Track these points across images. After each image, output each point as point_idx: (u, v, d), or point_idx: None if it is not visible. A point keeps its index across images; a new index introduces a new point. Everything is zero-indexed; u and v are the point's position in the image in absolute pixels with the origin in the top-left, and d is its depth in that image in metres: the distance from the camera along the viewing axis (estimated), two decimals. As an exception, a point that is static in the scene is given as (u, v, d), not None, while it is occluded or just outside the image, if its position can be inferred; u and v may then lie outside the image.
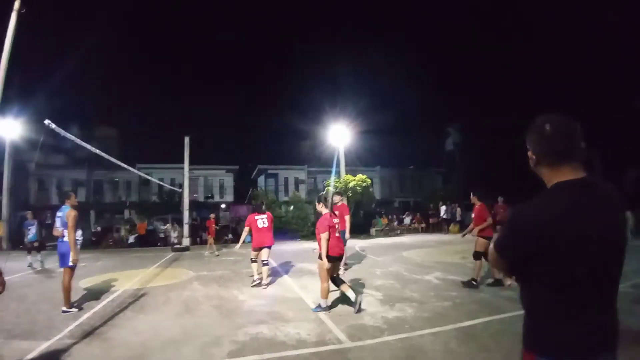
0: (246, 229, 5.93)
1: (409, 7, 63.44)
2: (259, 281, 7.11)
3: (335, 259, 5.22)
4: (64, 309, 5.40)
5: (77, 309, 5.50)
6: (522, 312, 4.29)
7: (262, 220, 7.33)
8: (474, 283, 6.37)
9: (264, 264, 7.02)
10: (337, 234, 5.26)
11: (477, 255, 6.47)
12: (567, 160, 1.33)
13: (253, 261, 7.35)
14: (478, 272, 6.45)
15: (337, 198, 8.14)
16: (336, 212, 6.78)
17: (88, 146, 11.01)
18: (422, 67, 57.60)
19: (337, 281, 5.29)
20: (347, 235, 7.93)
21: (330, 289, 5.25)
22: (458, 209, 22.65)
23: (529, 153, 1.43)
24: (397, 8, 64.53)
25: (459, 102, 50.46)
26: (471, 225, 6.83)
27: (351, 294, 5.07)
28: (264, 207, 5.50)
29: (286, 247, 15.81)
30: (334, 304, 5.52)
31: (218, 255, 13.00)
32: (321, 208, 5.44)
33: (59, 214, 5.58)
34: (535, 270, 1.34)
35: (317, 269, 5.32)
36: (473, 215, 6.91)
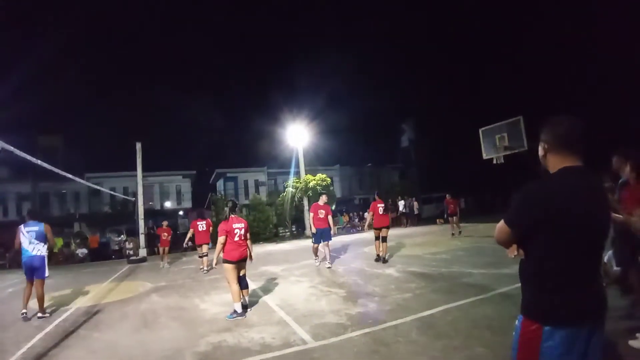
0: (221, 238, 5.40)
1: (361, 9, 64.52)
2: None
3: (237, 262, 5.30)
4: (40, 314, 6.03)
5: (49, 314, 6.15)
6: (476, 298, 4.49)
7: (201, 225, 10.19)
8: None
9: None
10: (235, 239, 5.31)
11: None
12: (573, 151, 1.58)
13: (201, 256, 10.09)
14: None
15: (324, 198, 9.16)
16: (322, 211, 8.82)
17: (28, 157, 10.24)
18: (377, 66, 58.94)
19: (242, 283, 5.42)
20: (333, 232, 9.21)
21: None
22: (415, 203, 23.39)
23: (542, 143, 1.68)
24: (350, 10, 65.46)
25: (413, 100, 52.18)
26: None
27: (239, 304, 5.21)
28: (227, 211, 5.45)
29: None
30: (297, 305, 5.54)
31: (166, 266, 11.84)
32: (225, 213, 5.54)
33: (31, 229, 5.99)
34: (542, 242, 1.51)
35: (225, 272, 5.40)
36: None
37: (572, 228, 1.47)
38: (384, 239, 8.86)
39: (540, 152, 1.70)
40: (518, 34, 45.70)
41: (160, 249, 12.39)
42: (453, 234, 13.42)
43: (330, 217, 8.94)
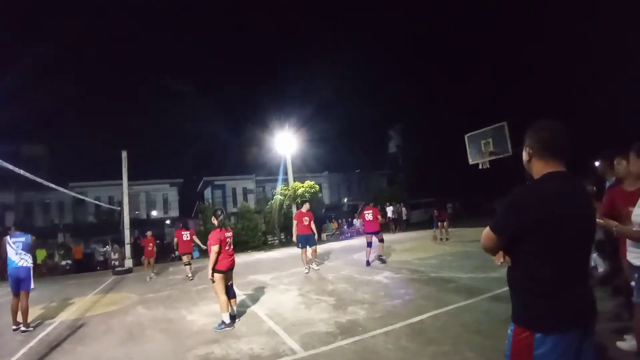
0: (216, 247, 5.23)
1: (348, 17, 65.24)
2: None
3: (227, 272, 5.30)
4: (23, 328, 5.91)
5: (32, 328, 6.03)
6: (465, 303, 4.49)
7: (185, 235, 10.67)
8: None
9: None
10: (226, 247, 5.30)
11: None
12: (557, 157, 1.60)
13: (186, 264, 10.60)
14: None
15: (307, 205, 9.82)
16: (306, 218, 9.38)
17: (11, 167, 9.99)
18: (364, 73, 59.45)
19: (230, 292, 5.36)
20: (317, 237, 9.73)
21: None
22: (403, 209, 23.49)
23: (526, 148, 1.69)
24: (338, 18, 66.14)
25: (400, 106, 52.70)
26: None
27: (228, 314, 5.13)
28: (222, 219, 5.42)
29: (236, 259, 15.43)
30: (286, 314, 5.48)
31: (153, 277, 11.45)
32: (214, 221, 5.45)
33: (18, 239, 6.00)
34: (529, 248, 1.51)
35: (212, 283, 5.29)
36: None
37: (558, 233, 1.47)
38: (381, 240, 9.65)
39: (525, 157, 1.70)
40: (503, 40, 46.82)
41: (145, 260, 11.99)
42: (441, 239, 13.51)
43: (313, 224, 9.46)
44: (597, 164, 3.58)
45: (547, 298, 1.47)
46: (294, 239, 9.68)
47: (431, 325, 4.37)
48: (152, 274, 11.78)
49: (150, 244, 11.81)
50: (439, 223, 13.79)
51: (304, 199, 12.62)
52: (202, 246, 10.70)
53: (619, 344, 3.23)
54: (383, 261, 9.46)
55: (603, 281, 4.22)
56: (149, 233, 12.24)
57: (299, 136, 22.85)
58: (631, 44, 27.73)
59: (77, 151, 44.06)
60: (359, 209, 9.38)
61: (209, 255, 5.25)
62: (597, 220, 3.07)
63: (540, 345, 1.45)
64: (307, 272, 9.08)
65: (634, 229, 2.72)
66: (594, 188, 3.92)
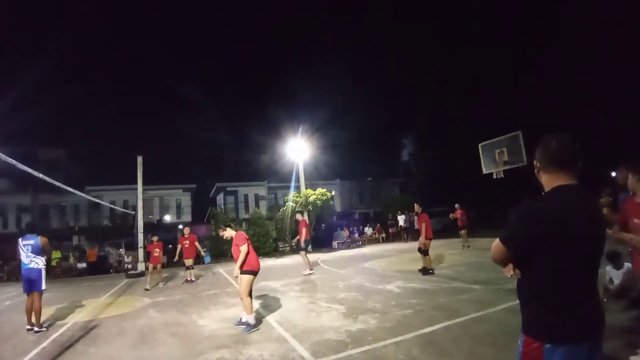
0: (245, 247, 5.38)
1: (362, 24, 65.58)
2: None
3: (257, 273, 5.47)
4: (36, 329, 5.99)
5: (45, 329, 6.12)
6: (478, 314, 4.43)
7: (186, 242, 11.15)
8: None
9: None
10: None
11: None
12: (564, 170, 1.59)
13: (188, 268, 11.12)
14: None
15: (298, 216, 11.09)
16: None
17: (30, 170, 10.26)
18: (377, 81, 59.53)
19: (251, 295, 5.47)
20: (302, 244, 10.76)
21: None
22: (416, 217, 23.25)
23: (535, 162, 1.69)
24: (352, 25, 66.55)
25: (413, 114, 52.57)
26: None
27: (253, 316, 5.33)
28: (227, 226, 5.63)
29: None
30: (297, 321, 5.46)
31: (160, 286, 10.67)
32: (230, 232, 5.60)
33: (27, 242, 6.10)
34: (539, 260, 1.51)
35: (240, 285, 5.39)
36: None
37: (567, 246, 1.47)
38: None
39: (535, 170, 1.71)
40: (520, 48, 46.38)
41: (150, 266, 10.91)
42: (464, 247, 13.29)
43: (304, 230, 10.74)
44: (614, 174, 3.53)
45: (557, 309, 1.48)
46: (303, 243, 10.75)
47: (443, 337, 4.30)
48: (160, 283, 10.99)
49: (157, 250, 10.83)
50: (461, 231, 13.59)
51: (300, 210, 12.92)
52: (202, 252, 11.86)
53: (632, 358, 3.16)
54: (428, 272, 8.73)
55: (619, 294, 4.12)
56: (154, 238, 11.28)
57: (311, 143, 22.98)
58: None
59: (94, 155, 44.96)
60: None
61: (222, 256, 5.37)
62: (612, 232, 3.03)
63: (550, 356, 1.46)
64: (313, 273, 10.33)
65: None
66: (610, 199, 3.85)
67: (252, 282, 5.37)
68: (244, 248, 5.25)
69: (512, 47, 47.66)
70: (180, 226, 32.53)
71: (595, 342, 1.50)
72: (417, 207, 9.67)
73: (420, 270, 8.81)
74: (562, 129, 1.68)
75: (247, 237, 5.44)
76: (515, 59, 45.80)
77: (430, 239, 8.98)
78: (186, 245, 11.14)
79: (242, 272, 5.29)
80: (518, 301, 1.63)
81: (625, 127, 25.87)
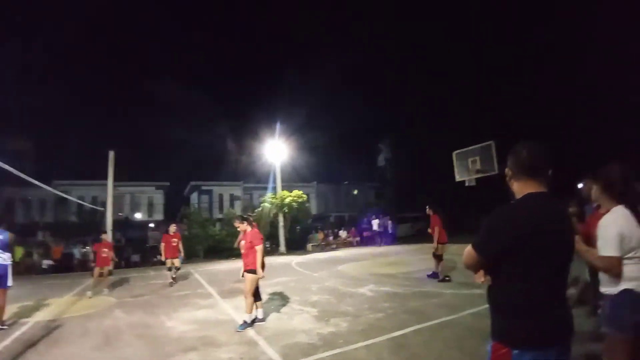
0: (261, 247, 5.47)
1: (340, 27, 66.06)
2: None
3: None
4: None
5: (7, 327, 5.94)
6: (447, 318, 4.49)
7: (174, 241, 10.37)
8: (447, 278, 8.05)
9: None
10: None
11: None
12: (535, 177, 1.63)
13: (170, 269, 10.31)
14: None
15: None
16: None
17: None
18: (356, 85, 59.93)
19: (258, 296, 5.51)
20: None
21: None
22: (389, 222, 23.56)
23: (507, 170, 1.73)
24: (330, 28, 66.95)
25: (390, 119, 53.30)
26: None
27: (260, 313, 5.48)
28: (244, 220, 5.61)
29: (220, 266, 15.25)
30: (268, 323, 5.42)
31: (90, 297, 8.51)
32: (246, 226, 5.60)
33: None
34: (509, 266, 1.53)
35: (245, 284, 5.37)
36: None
37: (536, 253, 1.50)
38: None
39: (507, 177, 1.75)
40: (496, 58, 47.87)
41: (96, 270, 9.18)
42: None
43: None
44: (580, 186, 3.67)
45: (525, 315, 1.51)
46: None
47: (413, 340, 4.36)
48: (105, 289, 9.25)
49: (105, 249, 9.24)
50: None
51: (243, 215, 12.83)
52: (182, 253, 10.75)
53: None
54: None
55: (579, 300, 4.28)
56: (104, 236, 9.98)
57: (289, 145, 22.92)
58: (626, 61, 28.68)
59: (63, 149, 43.23)
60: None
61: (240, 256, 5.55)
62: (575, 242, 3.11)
63: None
64: None
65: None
66: (578, 209, 4.00)
67: (257, 281, 5.37)
68: (259, 248, 5.27)
69: (489, 59, 49.11)
70: (152, 224, 31.81)
71: (563, 347, 1.53)
72: (428, 210, 8.81)
73: (429, 276, 8.45)
74: (533, 139, 1.72)
75: (262, 236, 5.47)
76: (492, 69, 47.15)
77: (444, 243, 8.49)
78: (174, 244, 10.40)
79: (248, 271, 5.32)
80: (486, 306, 1.66)
81: (593, 139, 27.08)
